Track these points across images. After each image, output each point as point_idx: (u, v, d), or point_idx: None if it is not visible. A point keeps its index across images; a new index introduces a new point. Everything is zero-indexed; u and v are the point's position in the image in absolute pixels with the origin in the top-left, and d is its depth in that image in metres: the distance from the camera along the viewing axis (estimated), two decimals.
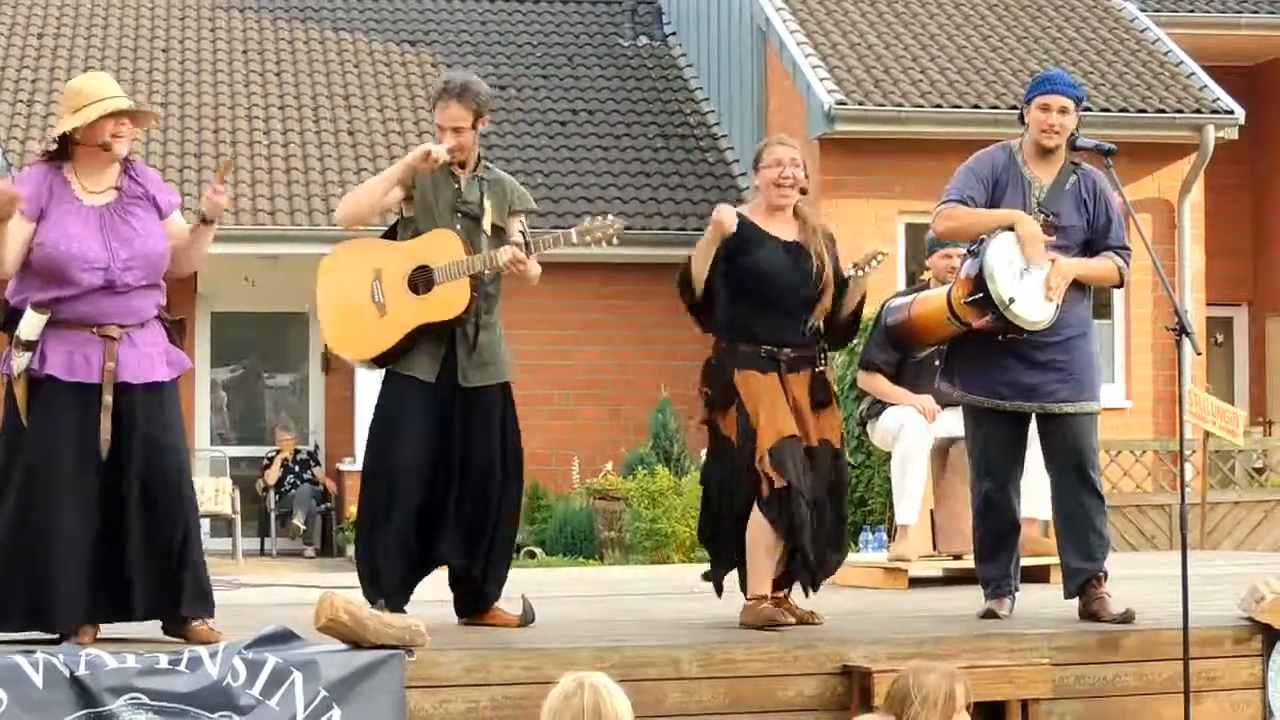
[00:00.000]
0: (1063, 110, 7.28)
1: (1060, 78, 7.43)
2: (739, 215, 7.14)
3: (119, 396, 6.32)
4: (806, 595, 7.21)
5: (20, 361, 6.29)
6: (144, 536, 6.32)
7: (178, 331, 6.58)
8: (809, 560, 7.00)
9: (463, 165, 7.09)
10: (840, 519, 7.17)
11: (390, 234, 7.18)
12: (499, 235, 7.08)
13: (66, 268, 6.27)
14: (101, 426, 6.28)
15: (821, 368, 7.19)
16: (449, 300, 6.93)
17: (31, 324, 6.28)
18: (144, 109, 6.60)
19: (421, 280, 6.93)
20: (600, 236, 7.11)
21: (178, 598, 6.39)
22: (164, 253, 6.46)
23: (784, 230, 7.17)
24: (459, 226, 7.01)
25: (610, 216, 7.30)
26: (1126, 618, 7.06)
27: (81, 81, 6.50)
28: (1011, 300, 7.08)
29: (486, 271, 6.98)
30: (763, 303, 7.09)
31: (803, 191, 7.23)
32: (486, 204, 7.05)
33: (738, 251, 7.08)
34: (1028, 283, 7.11)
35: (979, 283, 7.12)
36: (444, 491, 6.93)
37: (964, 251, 7.47)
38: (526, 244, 6.98)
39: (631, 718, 4.19)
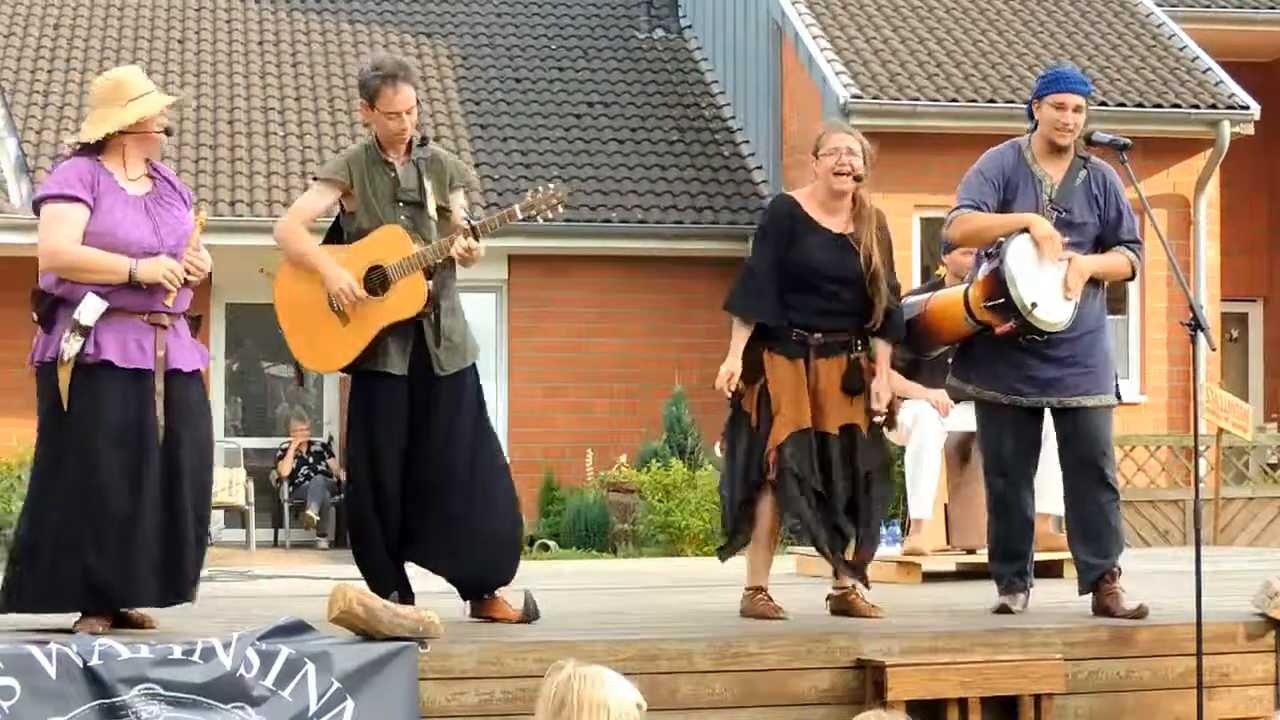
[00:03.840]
0: (1076, 109, 7.28)
1: (1071, 75, 7.42)
2: (794, 201, 7.18)
3: (166, 384, 6.40)
4: (837, 576, 7.25)
5: (73, 346, 6.28)
6: (179, 520, 6.36)
7: (193, 327, 6.65)
8: (821, 546, 7.12)
9: (398, 149, 6.91)
10: (876, 498, 7.24)
11: (334, 229, 7.04)
12: (444, 216, 6.94)
13: (124, 255, 6.32)
14: (157, 410, 6.34)
15: (857, 354, 7.19)
16: (407, 298, 6.82)
17: (93, 308, 6.30)
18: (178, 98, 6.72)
19: (377, 281, 6.82)
20: (546, 207, 7.00)
21: (192, 581, 6.46)
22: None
23: (836, 220, 7.21)
24: (403, 217, 6.87)
25: (553, 185, 7.17)
26: (1140, 613, 7.05)
27: (120, 74, 6.59)
28: (1034, 305, 7.04)
29: (439, 262, 6.85)
30: (803, 288, 7.13)
31: (857, 179, 7.23)
32: (427, 186, 6.89)
33: (790, 238, 7.12)
34: (1046, 284, 7.08)
35: (1000, 287, 7.08)
36: (428, 488, 6.82)
37: (979, 253, 7.45)
38: (473, 229, 6.82)
39: (620, 706, 4.04)
